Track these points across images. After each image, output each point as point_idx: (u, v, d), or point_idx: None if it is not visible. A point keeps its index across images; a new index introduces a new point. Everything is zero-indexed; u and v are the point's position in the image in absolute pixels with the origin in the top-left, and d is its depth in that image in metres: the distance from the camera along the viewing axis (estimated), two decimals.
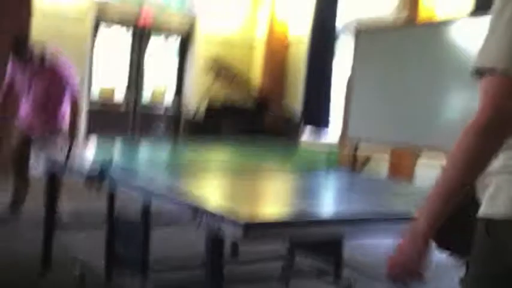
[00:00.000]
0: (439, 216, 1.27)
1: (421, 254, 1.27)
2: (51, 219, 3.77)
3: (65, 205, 5.18)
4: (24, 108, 5.03)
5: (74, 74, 5.02)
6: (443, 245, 1.37)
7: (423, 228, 1.27)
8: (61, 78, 4.93)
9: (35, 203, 5.57)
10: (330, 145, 4.12)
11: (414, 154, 6.05)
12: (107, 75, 9.40)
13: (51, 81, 4.92)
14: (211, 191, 2.70)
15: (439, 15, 7.01)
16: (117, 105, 9.42)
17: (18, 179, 5.14)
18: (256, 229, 1.86)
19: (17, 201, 5.17)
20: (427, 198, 1.29)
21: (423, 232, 1.26)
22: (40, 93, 4.93)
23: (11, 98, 5.09)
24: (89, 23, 8.84)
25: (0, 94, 5.09)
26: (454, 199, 1.27)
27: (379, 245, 4.92)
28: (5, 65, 5.17)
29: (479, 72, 1.26)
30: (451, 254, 1.45)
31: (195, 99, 9.30)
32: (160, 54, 9.91)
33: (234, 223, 1.86)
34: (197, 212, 2.04)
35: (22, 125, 5.07)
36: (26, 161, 5.14)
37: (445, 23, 5.68)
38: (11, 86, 5.05)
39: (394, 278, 1.34)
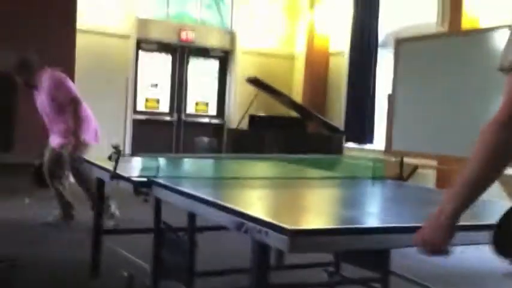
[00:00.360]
0: (464, 201, 1.43)
1: (445, 232, 1.44)
2: (99, 224, 3.86)
3: (114, 211, 5.35)
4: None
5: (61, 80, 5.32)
6: (504, 253, 1.40)
7: (448, 209, 1.43)
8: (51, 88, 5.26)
9: (83, 208, 5.73)
10: (375, 154, 4.08)
11: (462, 163, 5.93)
12: (151, 89, 9.59)
13: (48, 94, 5.27)
14: (257, 200, 2.69)
15: (482, 24, 6.89)
16: (162, 114, 9.58)
17: (54, 190, 5.48)
18: (303, 238, 1.84)
19: (64, 209, 5.44)
20: (454, 184, 1.45)
21: (448, 212, 1.43)
22: (46, 108, 5.35)
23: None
24: (132, 40, 9.04)
25: None
26: (479, 190, 1.43)
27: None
28: None
29: (504, 71, 1.32)
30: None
31: (237, 111, 9.37)
32: (202, 68, 10.05)
33: (281, 231, 1.85)
34: (243, 219, 2.04)
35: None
36: (55, 174, 5.50)
37: (488, 31, 5.58)
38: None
39: (421, 249, 1.52)
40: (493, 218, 2.70)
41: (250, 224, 1.99)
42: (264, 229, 1.91)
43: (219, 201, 2.32)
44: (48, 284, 3.67)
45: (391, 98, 6.48)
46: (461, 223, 2.17)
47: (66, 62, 7.99)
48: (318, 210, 2.59)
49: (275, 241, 1.87)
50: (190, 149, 8.83)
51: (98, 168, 3.54)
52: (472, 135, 5.49)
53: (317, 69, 9.73)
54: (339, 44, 9.54)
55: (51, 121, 5.43)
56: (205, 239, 3.34)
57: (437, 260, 4.88)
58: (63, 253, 4.43)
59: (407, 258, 4.52)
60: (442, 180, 6.65)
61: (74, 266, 4.04)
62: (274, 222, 1.91)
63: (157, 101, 9.63)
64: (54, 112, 5.34)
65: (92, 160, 3.76)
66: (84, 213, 5.50)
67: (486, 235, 2.14)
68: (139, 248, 3.63)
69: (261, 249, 2.09)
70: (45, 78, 5.33)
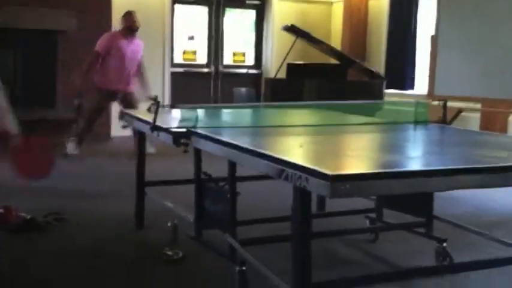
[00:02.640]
0: None
1: None
2: (142, 176, 3.92)
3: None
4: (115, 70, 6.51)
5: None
6: None
7: None
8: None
9: (123, 161, 5.84)
10: (417, 99, 4.00)
11: (507, 105, 5.77)
12: (187, 41, 9.55)
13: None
14: (297, 147, 2.67)
15: None
16: (200, 66, 9.56)
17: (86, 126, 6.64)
18: (344, 182, 1.81)
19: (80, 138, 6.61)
20: None
21: None
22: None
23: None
24: None
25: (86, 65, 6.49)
26: None
27: (470, 198, 4.82)
28: None
29: None
30: None
31: (275, 60, 9.27)
32: (238, 18, 9.93)
33: (321, 176, 1.82)
34: (283, 166, 2.02)
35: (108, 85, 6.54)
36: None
37: None
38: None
39: None
40: None
41: (291, 171, 1.97)
42: (305, 175, 1.89)
43: (258, 149, 2.30)
44: (94, 236, 3.76)
45: (434, 40, 6.30)
46: (504, 164, 2.12)
47: (103, 15, 8.03)
48: (359, 155, 2.55)
49: (316, 187, 1.85)
50: (229, 100, 8.81)
51: (138, 121, 3.56)
52: None
53: (356, 14, 9.50)
54: None
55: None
56: (246, 188, 3.36)
57: (481, 203, 4.83)
58: (107, 205, 4.53)
59: (449, 202, 4.49)
60: (486, 123, 6.49)
61: (119, 218, 4.13)
62: (315, 168, 1.89)
63: (195, 53, 9.59)
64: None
65: (132, 113, 3.78)
66: (123, 165, 5.59)
67: None
68: (182, 198, 3.68)
69: (302, 196, 2.08)
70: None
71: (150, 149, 5.85)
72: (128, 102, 6.41)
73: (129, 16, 6.55)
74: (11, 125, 2.42)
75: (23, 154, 2.51)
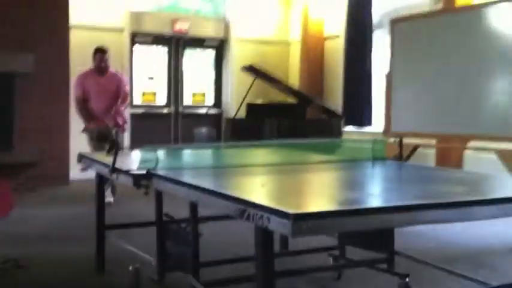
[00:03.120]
0: None
1: None
2: (102, 219, 3.86)
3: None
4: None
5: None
6: None
7: None
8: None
9: (83, 206, 5.75)
10: (374, 136, 4.09)
11: (462, 141, 5.93)
12: (147, 81, 9.57)
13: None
14: (258, 187, 2.68)
15: (475, 0, 6.84)
16: (159, 107, 9.56)
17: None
18: (306, 220, 1.82)
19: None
20: None
21: None
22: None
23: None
24: (127, 33, 9.01)
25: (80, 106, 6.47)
26: None
27: (431, 233, 4.88)
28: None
29: None
30: None
31: (235, 100, 9.35)
32: (198, 58, 10.02)
33: (283, 215, 1.83)
34: (245, 206, 2.03)
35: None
36: None
37: (484, 7, 5.54)
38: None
39: None
40: (494, 193, 2.70)
41: (252, 211, 1.97)
42: (266, 215, 1.90)
43: (219, 190, 2.31)
44: (54, 282, 3.67)
45: (388, 78, 6.46)
46: (463, 199, 2.18)
47: (61, 59, 7.99)
48: (319, 193, 2.58)
49: (278, 226, 1.85)
50: (189, 140, 8.82)
51: (97, 164, 3.53)
52: (470, 112, 5.53)
53: (313, 54, 9.70)
54: (333, 27, 9.50)
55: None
56: (209, 228, 3.34)
57: (441, 238, 4.90)
58: (67, 250, 4.43)
59: (410, 238, 4.54)
60: (442, 158, 6.64)
61: (79, 262, 4.05)
62: (276, 207, 1.90)
63: (154, 94, 9.61)
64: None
65: (91, 156, 3.75)
66: (84, 210, 5.50)
67: (488, 210, 2.15)
68: (144, 241, 3.63)
69: (265, 236, 2.08)
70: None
71: (108, 198, 5.82)
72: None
73: (96, 55, 6.50)
74: None
75: None
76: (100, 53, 6.49)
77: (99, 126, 6.36)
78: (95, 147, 6.22)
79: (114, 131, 6.18)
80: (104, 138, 6.06)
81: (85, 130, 6.45)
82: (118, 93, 6.57)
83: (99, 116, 6.45)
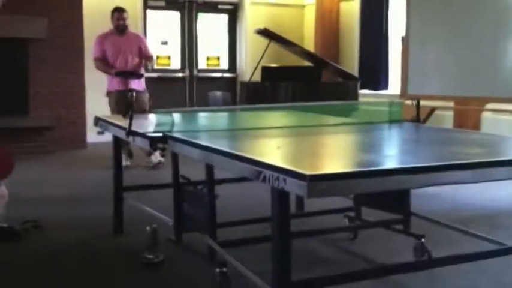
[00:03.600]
0: None
1: None
2: (119, 180, 3.90)
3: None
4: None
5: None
6: None
7: None
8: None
9: (100, 167, 5.82)
10: (391, 99, 4.05)
11: (480, 103, 5.87)
12: (161, 46, 9.53)
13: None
14: (274, 149, 2.69)
15: None
16: (174, 71, 9.54)
17: None
18: (321, 181, 1.83)
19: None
20: None
21: None
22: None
23: None
24: None
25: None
26: None
27: (447, 194, 4.89)
28: None
29: None
30: None
31: (249, 64, 9.30)
32: (211, 23, 9.95)
33: (299, 177, 1.84)
34: (261, 167, 2.04)
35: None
36: None
37: None
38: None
39: None
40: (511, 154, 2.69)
41: (268, 172, 1.98)
42: (282, 176, 1.90)
43: (235, 152, 2.32)
44: (73, 243, 3.73)
45: (405, 41, 6.38)
46: (480, 160, 2.17)
47: (75, 23, 7.97)
48: (335, 155, 2.58)
49: (294, 187, 1.86)
50: (204, 104, 8.81)
51: (114, 126, 3.55)
52: (488, 74, 5.48)
53: (328, 17, 9.57)
54: None
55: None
56: (225, 190, 3.37)
57: (458, 199, 4.90)
58: (85, 212, 4.50)
59: (427, 199, 4.55)
60: (459, 121, 6.59)
61: (97, 223, 4.11)
62: (292, 168, 1.90)
63: (169, 58, 9.58)
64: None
65: (107, 118, 3.77)
66: (102, 172, 5.56)
67: (505, 171, 2.14)
68: (161, 203, 3.68)
69: (281, 197, 2.10)
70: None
71: (125, 161, 5.86)
72: (138, 105, 6.12)
73: (114, 14, 6.43)
74: None
75: None
76: (118, 11, 6.42)
77: (118, 90, 6.27)
78: (114, 111, 6.18)
79: (131, 94, 6.14)
80: (125, 103, 5.94)
81: (108, 94, 6.41)
82: (140, 53, 6.47)
83: (117, 82, 6.34)
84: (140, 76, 6.43)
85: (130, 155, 6.45)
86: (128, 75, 6.32)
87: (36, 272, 3.22)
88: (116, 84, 6.32)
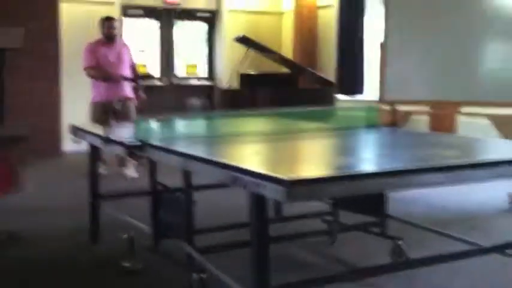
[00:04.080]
0: None
1: None
2: (95, 188, 3.87)
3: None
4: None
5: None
6: None
7: None
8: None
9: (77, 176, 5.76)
10: (368, 103, 4.08)
11: (455, 106, 5.94)
12: (138, 54, 9.49)
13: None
14: (252, 155, 2.69)
15: None
16: (152, 79, 9.51)
17: None
18: (300, 186, 1.83)
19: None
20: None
21: None
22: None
23: None
24: (117, 6, 8.92)
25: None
26: None
27: (423, 197, 4.92)
28: None
29: None
30: None
31: (227, 71, 9.31)
32: (189, 30, 9.94)
33: (277, 181, 1.84)
34: (239, 173, 2.03)
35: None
36: None
37: None
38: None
39: None
40: (486, 156, 2.72)
41: (246, 178, 1.98)
42: (260, 181, 1.91)
43: (213, 158, 2.31)
44: (49, 253, 3.69)
45: (383, 47, 6.44)
46: (455, 162, 2.19)
47: (51, 32, 7.90)
48: (313, 160, 2.59)
49: (272, 192, 1.86)
50: (182, 111, 8.80)
51: (90, 135, 3.52)
52: (462, 78, 5.53)
53: (306, 24, 9.62)
54: None
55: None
56: (202, 197, 3.35)
57: (434, 202, 4.94)
58: (61, 222, 4.45)
59: (403, 202, 4.58)
60: (435, 124, 6.66)
61: (73, 232, 4.07)
62: (270, 173, 1.91)
63: (145, 66, 9.55)
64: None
65: (84, 127, 3.74)
66: (79, 181, 5.50)
67: (480, 173, 2.16)
68: (138, 210, 3.65)
69: (259, 202, 2.09)
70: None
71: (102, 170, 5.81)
72: (124, 113, 6.14)
73: (103, 24, 6.36)
74: None
75: None
76: (108, 20, 6.37)
77: (107, 100, 6.21)
78: (97, 121, 6.02)
79: (122, 104, 6.18)
80: (111, 113, 6.04)
81: (94, 104, 6.30)
82: (130, 61, 6.49)
83: (113, 86, 6.25)
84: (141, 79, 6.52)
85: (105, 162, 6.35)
86: (132, 79, 6.33)
87: (12, 283, 3.17)
88: (105, 94, 6.24)
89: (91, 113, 6.26)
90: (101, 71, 6.22)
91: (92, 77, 6.27)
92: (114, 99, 6.20)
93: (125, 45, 6.61)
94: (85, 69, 6.25)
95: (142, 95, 6.57)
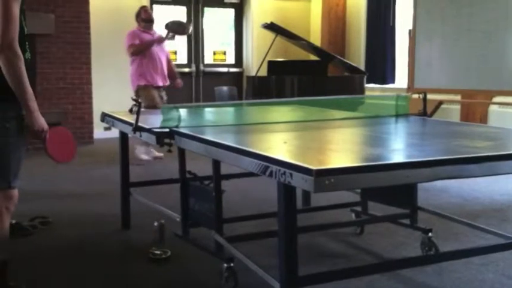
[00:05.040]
0: None
1: None
2: (126, 176, 3.92)
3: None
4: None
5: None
6: None
7: None
8: None
9: (109, 163, 5.83)
10: (398, 92, 4.03)
11: (487, 96, 5.85)
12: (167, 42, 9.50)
13: None
14: (281, 143, 2.69)
15: None
16: (181, 66, 9.53)
17: None
18: (328, 176, 1.82)
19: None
20: None
21: None
22: None
23: None
24: None
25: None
26: None
27: (454, 188, 4.87)
28: None
29: None
30: None
31: (255, 58, 9.29)
32: (218, 17, 9.92)
33: (305, 171, 1.84)
34: (268, 162, 2.04)
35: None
36: None
37: None
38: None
39: None
40: None
41: (275, 167, 1.98)
42: (289, 171, 1.91)
43: (242, 147, 2.32)
44: (81, 238, 3.75)
45: (412, 34, 6.35)
46: (487, 154, 2.16)
47: (82, 19, 7.98)
48: (342, 149, 2.58)
49: (300, 182, 1.86)
50: (211, 99, 8.81)
51: (120, 122, 3.55)
52: (495, 67, 5.46)
53: (334, 10, 9.54)
54: None
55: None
56: (231, 186, 3.37)
57: (465, 193, 4.89)
58: (93, 207, 4.52)
59: (434, 193, 4.54)
60: (466, 114, 6.57)
61: (105, 219, 4.13)
62: (299, 163, 1.90)
63: (175, 53, 9.58)
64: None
65: (114, 114, 3.77)
66: (109, 167, 5.58)
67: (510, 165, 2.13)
68: (168, 198, 3.68)
69: (287, 192, 2.10)
70: None
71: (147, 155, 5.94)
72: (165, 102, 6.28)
73: (140, 11, 6.48)
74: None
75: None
76: (144, 6, 6.57)
77: (156, 84, 6.31)
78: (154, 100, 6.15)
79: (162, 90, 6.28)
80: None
81: (144, 87, 6.29)
82: (167, 53, 6.60)
83: (158, 74, 6.33)
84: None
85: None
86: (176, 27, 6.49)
87: (44, 267, 3.24)
88: (151, 79, 6.30)
89: (146, 95, 6.16)
90: (143, 44, 6.27)
91: (138, 52, 6.25)
92: (160, 85, 6.33)
93: (160, 35, 6.62)
94: (129, 47, 6.27)
95: (180, 82, 6.68)
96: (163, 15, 9.47)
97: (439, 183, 4.19)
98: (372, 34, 8.99)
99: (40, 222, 3.95)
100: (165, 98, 6.41)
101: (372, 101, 4.80)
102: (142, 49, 6.27)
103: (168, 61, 6.61)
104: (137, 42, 6.27)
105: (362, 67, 8.56)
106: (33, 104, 2.55)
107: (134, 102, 3.10)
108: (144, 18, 6.42)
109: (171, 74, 6.59)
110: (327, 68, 7.62)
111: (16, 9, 2.44)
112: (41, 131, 2.62)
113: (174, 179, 3.51)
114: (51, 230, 3.92)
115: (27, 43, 2.68)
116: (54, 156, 2.81)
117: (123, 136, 3.91)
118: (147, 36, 6.36)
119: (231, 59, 10.06)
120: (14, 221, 3.79)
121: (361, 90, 7.29)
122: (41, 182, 5.35)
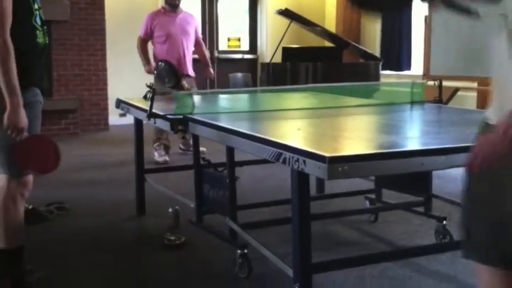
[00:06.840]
0: None
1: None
2: (141, 162, 3.94)
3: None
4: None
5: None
6: None
7: None
8: None
9: (124, 150, 5.87)
10: (413, 79, 3.99)
11: None
12: None
13: None
14: (294, 131, 2.68)
15: None
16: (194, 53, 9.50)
17: None
18: (342, 163, 1.82)
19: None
20: None
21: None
22: None
23: None
24: None
25: None
26: None
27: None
28: None
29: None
30: None
31: (270, 45, 9.25)
32: (232, 3, 9.88)
33: (318, 158, 1.84)
34: (281, 149, 2.04)
35: None
36: None
37: None
38: None
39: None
40: None
41: (289, 154, 1.98)
42: (302, 158, 1.91)
43: (256, 134, 2.32)
44: (97, 224, 3.79)
45: (427, 20, 6.29)
46: None
47: (97, 5, 8.00)
48: (356, 137, 2.57)
49: (314, 169, 1.86)
50: (225, 85, 8.80)
51: (135, 109, 3.57)
52: None
53: None
54: None
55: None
56: (245, 172, 3.38)
57: None
58: (108, 193, 4.55)
59: (448, 181, 4.51)
60: (483, 102, 6.50)
61: (120, 205, 4.16)
62: (312, 150, 1.90)
63: None
64: None
65: (128, 100, 3.79)
66: (124, 154, 5.60)
67: None
68: (182, 185, 3.70)
69: (301, 179, 2.10)
70: None
71: (160, 157, 5.56)
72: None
73: None
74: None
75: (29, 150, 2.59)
76: None
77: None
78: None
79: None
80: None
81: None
82: (194, 37, 5.91)
83: (179, 62, 5.71)
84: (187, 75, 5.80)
85: (166, 148, 5.72)
86: (171, 72, 5.58)
87: (60, 253, 3.27)
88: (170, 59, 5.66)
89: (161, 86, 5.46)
90: (141, 50, 5.78)
91: (137, 48, 5.80)
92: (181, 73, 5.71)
93: (191, 17, 6.00)
94: (138, 38, 5.81)
95: (211, 71, 6.09)
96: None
97: (453, 171, 4.15)
98: (388, 20, 8.91)
99: (56, 207, 3.99)
100: (186, 86, 5.58)
101: (386, 88, 4.76)
102: (139, 54, 5.80)
103: (198, 45, 6.00)
104: (144, 34, 5.73)
105: (377, 54, 8.50)
106: (18, 100, 2.45)
107: (148, 89, 3.10)
108: (169, 1, 5.77)
109: (202, 61, 6.02)
110: (341, 55, 7.57)
111: (8, 5, 2.42)
112: (22, 129, 2.51)
113: (189, 165, 3.52)
114: (67, 216, 3.96)
115: (45, 27, 2.68)
116: (20, 164, 2.64)
117: (138, 122, 3.92)
118: (166, 21, 5.74)
119: (245, 45, 10.03)
120: (30, 206, 3.84)
121: (377, 77, 7.23)
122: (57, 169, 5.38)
